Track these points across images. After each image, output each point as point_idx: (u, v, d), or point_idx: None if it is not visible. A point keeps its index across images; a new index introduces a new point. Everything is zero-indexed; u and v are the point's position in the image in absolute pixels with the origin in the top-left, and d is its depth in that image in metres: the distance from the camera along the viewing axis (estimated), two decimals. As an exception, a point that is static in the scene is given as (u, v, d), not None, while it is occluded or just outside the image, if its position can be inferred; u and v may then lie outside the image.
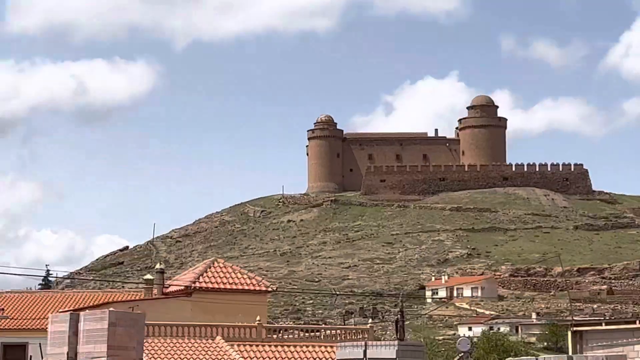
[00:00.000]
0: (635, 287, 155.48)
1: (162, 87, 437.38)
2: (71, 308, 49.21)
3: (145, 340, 31.70)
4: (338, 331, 45.85)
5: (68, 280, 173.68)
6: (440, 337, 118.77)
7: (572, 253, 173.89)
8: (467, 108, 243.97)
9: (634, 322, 29.20)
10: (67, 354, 22.49)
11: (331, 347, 40.67)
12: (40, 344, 44.73)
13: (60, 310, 49.25)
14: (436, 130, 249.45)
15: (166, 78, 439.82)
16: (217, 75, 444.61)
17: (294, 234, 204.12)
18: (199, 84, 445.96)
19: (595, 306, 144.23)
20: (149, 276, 51.21)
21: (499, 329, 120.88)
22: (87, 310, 23.36)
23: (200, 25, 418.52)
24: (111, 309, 22.63)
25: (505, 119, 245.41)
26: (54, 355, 22.97)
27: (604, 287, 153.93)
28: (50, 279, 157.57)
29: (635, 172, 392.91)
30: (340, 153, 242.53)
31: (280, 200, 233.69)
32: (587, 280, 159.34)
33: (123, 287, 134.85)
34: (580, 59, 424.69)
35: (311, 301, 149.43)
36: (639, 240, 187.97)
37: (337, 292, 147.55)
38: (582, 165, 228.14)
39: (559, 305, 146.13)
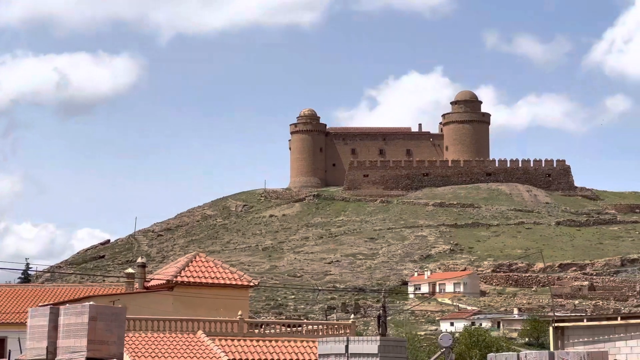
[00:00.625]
0: (616, 283, 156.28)
1: (146, 80, 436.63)
2: (51, 302, 49.00)
3: (126, 335, 31.59)
4: (320, 326, 45.84)
5: (48, 274, 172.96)
6: (422, 333, 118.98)
7: (554, 249, 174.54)
8: (451, 103, 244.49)
9: (616, 319, 29.31)
10: (47, 348, 22.37)
11: (313, 342, 40.67)
12: (19, 338, 44.52)
13: (40, 304, 49.05)
14: (420, 125, 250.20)
15: (150, 72, 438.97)
16: (201, 69, 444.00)
17: (276, 229, 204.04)
18: (182, 78, 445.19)
19: (576, 302, 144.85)
20: (130, 270, 51.06)
21: (480, 324, 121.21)
22: (67, 305, 23.25)
23: (184, 19, 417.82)
24: (92, 303, 22.54)
25: (489, 115, 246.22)
26: (34, 350, 22.85)
27: (586, 283, 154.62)
28: (30, 272, 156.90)
29: (617, 169, 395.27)
30: (323, 148, 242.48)
31: (263, 195, 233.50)
32: (568, 276, 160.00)
33: (104, 281, 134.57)
34: (563, 55, 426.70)
35: (293, 296, 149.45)
36: (620, 236, 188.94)
37: (319, 287, 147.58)
38: (564, 161, 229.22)
39: (541, 301, 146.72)
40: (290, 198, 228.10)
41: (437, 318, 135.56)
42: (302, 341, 41.87)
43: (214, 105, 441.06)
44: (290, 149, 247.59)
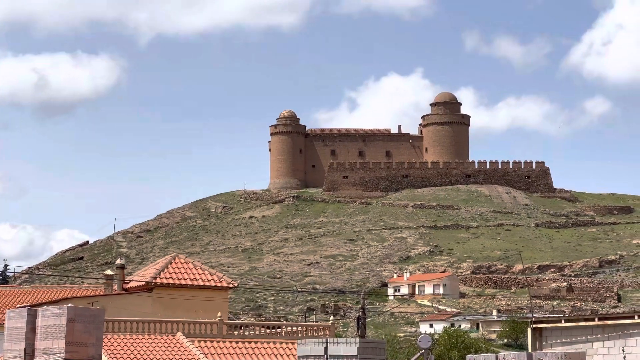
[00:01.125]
0: (594, 285, 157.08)
1: (125, 82, 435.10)
2: (29, 304, 48.81)
3: (104, 337, 31.52)
4: (299, 328, 45.86)
5: (26, 276, 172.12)
6: (402, 334, 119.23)
7: (533, 250, 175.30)
8: (431, 105, 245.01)
9: (593, 320, 29.49)
10: (25, 350, 22.29)
11: (292, 343, 40.70)
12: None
13: (18, 305, 48.84)
14: (399, 126, 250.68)
15: (129, 73, 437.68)
16: (181, 71, 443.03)
17: (256, 230, 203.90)
18: (162, 79, 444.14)
19: (555, 303, 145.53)
20: (109, 271, 50.94)
21: (460, 326, 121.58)
22: (45, 306, 23.17)
23: (165, 19, 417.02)
24: (70, 304, 22.48)
25: (469, 116, 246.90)
26: (11, 351, 22.76)
27: (564, 284, 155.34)
28: (8, 274, 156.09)
29: (596, 171, 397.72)
30: (303, 149, 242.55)
31: (242, 196, 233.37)
32: (547, 278, 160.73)
33: (82, 282, 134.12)
34: (542, 57, 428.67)
35: (272, 298, 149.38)
36: (598, 238, 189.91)
37: (299, 289, 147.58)
38: (543, 163, 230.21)
39: (520, 302, 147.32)
40: (270, 199, 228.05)
41: (416, 320, 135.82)
42: (281, 343, 41.89)
43: (194, 106, 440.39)
44: (269, 150, 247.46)
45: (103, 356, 33.52)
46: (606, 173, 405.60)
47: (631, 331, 28.31)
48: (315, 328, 45.85)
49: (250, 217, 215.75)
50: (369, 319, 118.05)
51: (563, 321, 30.40)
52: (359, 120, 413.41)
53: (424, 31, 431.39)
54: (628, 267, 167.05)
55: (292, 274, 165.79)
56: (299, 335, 43.71)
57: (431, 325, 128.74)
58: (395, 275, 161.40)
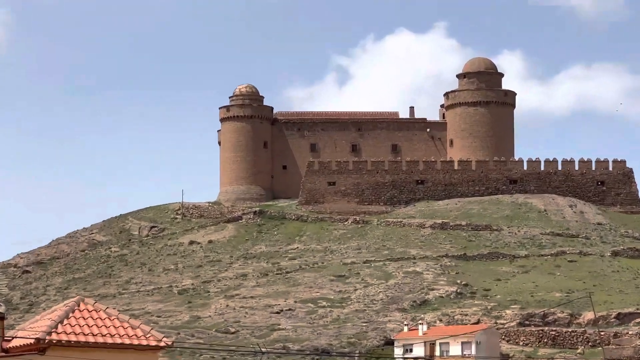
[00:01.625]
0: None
1: (8, 42, 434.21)
2: None
3: (-25, 420, 31.74)
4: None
5: None
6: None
7: (610, 291, 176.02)
8: (458, 77, 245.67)
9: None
10: None
11: None
12: None
13: None
14: (411, 108, 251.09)
15: (15, 30, 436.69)
16: (89, 28, 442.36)
17: (199, 263, 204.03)
18: (61, 39, 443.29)
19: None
20: (-19, 324, 51.08)
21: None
22: None
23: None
24: None
25: (514, 94, 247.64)
26: None
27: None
28: None
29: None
30: (269, 142, 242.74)
31: (179, 212, 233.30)
32: (630, 332, 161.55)
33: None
34: (622, 6, 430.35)
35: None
36: None
37: (263, 349, 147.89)
38: (624, 162, 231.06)
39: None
40: (220, 217, 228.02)
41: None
42: None
43: (105, 79, 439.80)
44: (219, 143, 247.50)
45: None
46: None
47: None
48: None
49: (191, 242, 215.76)
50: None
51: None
52: (351, 100, 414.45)
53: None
54: None
55: (253, 326, 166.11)
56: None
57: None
58: (405, 329, 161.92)
